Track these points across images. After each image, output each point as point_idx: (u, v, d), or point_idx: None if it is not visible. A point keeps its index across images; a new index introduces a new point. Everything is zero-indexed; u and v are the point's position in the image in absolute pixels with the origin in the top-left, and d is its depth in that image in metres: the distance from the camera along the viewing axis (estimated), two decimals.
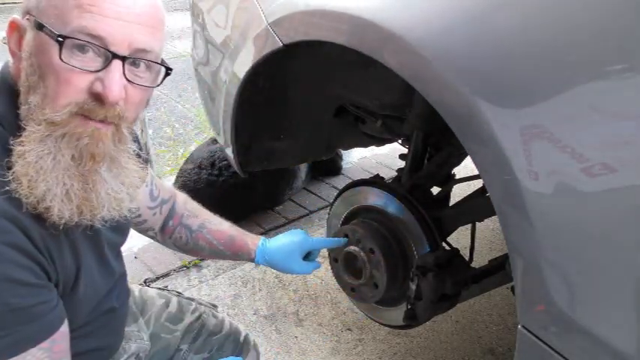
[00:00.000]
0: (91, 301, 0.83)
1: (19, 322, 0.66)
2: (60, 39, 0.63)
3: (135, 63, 0.69)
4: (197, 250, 1.14)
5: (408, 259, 1.30)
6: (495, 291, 1.76)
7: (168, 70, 0.74)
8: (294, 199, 2.49)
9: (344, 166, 2.77)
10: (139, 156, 0.79)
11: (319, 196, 2.55)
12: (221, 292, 1.90)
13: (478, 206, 1.34)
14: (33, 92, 0.65)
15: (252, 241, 1.14)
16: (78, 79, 0.65)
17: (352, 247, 1.32)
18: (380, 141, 1.94)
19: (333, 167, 2.70)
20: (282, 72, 1.48)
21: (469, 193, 1.50)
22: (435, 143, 1.44)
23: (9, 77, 0.71)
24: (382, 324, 1.49)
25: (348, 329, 1.74)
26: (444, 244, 1.31)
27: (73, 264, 0.76)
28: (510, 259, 0.81)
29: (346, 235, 1.35)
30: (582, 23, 0.72)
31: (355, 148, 2.68)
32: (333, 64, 1.39)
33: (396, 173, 1.49)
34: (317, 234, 2.23)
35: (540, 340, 0.79)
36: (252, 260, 1.14)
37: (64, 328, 0.73)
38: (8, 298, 0.64)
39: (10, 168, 0.66)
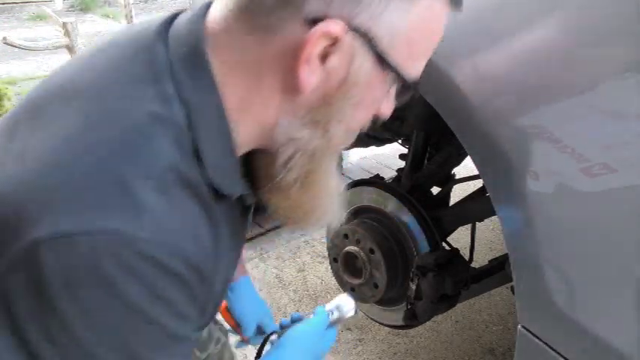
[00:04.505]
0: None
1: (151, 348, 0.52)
2: (406, 86, 0.57)
3: None
4: None
5: (408, 259, 1.30)
6: (495, 291, 1.76)
7: None
8: None
9: (344, 166, 2.77)
10: None
11: None
12: None
13: (478, 206, 1.34)
14: (337, 123, 0.57)
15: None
16: (376, 109, 0.61)
17: (352, 247, 1.33)
18: (380, 141, 1.93)
19: None
20: None
21: (469, 193, 1.50)
22: (435, 143, 1.44)
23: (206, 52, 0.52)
24: (382, 324, 1.49)
25: (348, 329, 1.74)
26: (444, 244, 1.31)
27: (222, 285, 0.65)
28: (510, 259, 0.81)
29: (346, 235, 1.34)
30: (582, 24, 0.72)
31: (355, 148, 2.68)
32: None
33: (396, 173, 1.50)
34: (316, 234, 2.24)
35: (540, 340, 0.79)
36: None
37: None
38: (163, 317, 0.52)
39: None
